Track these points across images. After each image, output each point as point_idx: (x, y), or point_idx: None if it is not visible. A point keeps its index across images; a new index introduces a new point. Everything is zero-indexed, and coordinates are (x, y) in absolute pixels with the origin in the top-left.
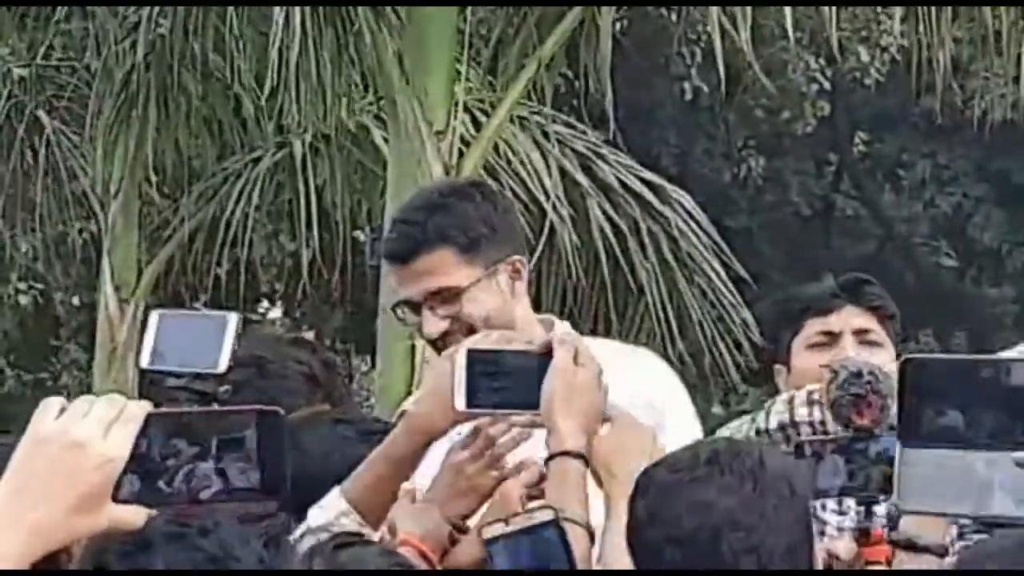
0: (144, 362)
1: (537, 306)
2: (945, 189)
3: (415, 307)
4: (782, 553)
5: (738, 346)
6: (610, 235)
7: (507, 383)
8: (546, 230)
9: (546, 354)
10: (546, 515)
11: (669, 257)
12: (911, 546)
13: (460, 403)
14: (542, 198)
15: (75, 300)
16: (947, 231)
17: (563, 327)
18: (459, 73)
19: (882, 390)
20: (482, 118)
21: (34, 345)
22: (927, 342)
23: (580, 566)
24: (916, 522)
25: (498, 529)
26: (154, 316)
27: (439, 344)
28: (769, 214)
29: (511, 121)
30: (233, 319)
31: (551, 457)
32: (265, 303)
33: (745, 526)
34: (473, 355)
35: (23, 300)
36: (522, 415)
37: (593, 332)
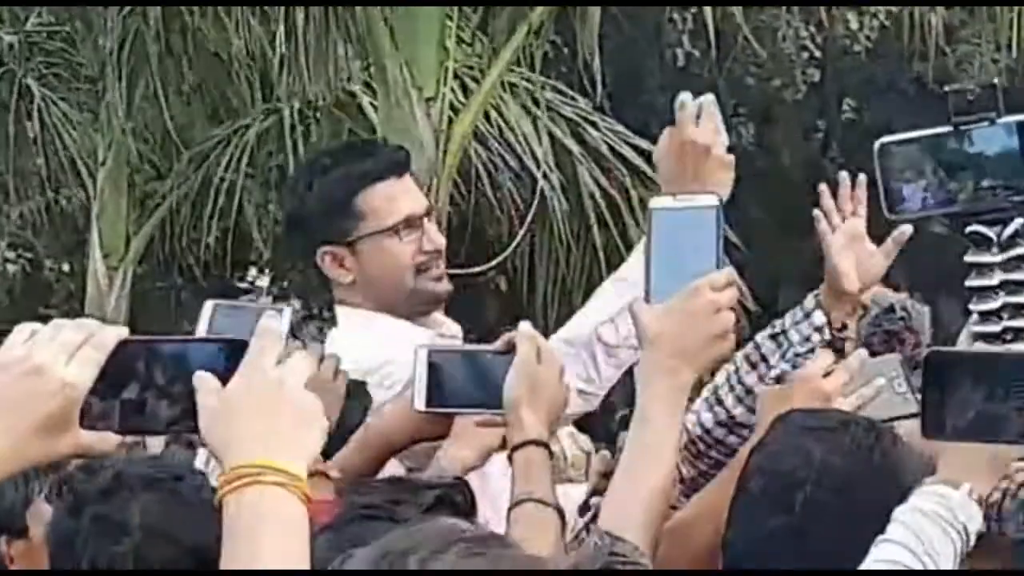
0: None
1: (531, 273)
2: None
3: (414, 224)
4: (851, 535)
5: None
6: (601, 201)
7: (467, 382)
8: (537, 197)
9: (506, 352)
10: None
11: None
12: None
13: (419, 403)
14: (532, 165)
15: (64, 267)
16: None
17: (526, 324)
18: (449, 40)
19: (915, 326)
20: (472, 85)
21: (23, 312)
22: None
23: (552, 547)
24: None
25: None
26: (208, 306)
27: (431, 267)
28: (759, 181)
29: (501, 88)
30: (287, 312)
31: (516, 448)
32: (253, 271)
33: (834, 489)
34: (433, 355)
35: (11, 268)
36: (482, 414)
37: (584, 298)
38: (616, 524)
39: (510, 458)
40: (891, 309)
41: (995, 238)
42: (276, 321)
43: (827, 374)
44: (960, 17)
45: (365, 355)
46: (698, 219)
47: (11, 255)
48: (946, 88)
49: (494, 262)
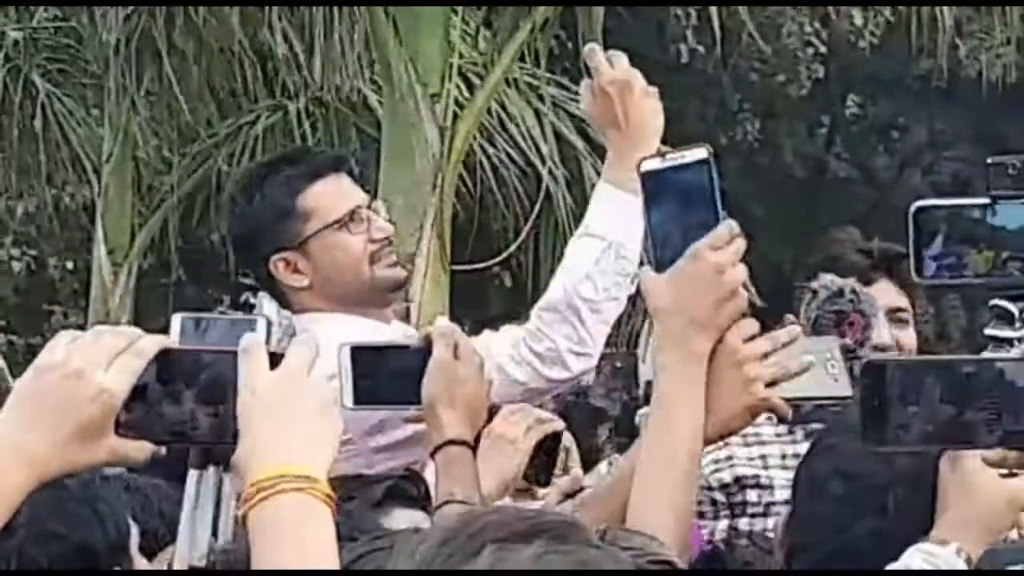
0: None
1: (536, 268)
2: (942, 154)
3: (359, 215)
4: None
5: None
6: None
7: (391, 379)
8: (542, 192)
9: (426, 348)
10: None
11: None
12: None
13: (348, 400)
14: (537, 160)
15: (69, 264)
16: (944, 194)
17: (443, 321)
18: (453, 37)
19: (865, 309)
20: (476, 81)
21: (28, 310)
22: (921, 304)
23: None
24: None
25: None
26: (176, 320)
27: (383, 255)
28: (763, 177)
29: (506, 84)
30: (262, 323)
31: (437, 448)
32: None
33: (916, 487)
34: (356, 352)
35: (16, 266)
36: (408, 411)
37: None
38: (643, 513)
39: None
40: (839, 293)
41: (1017, 313)
42: (310, 334)
43: (749, 340)
44: (967, 13)
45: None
46: (691, 174)
47: (16, 252)
48: (988, 160)
49: (499, 258)
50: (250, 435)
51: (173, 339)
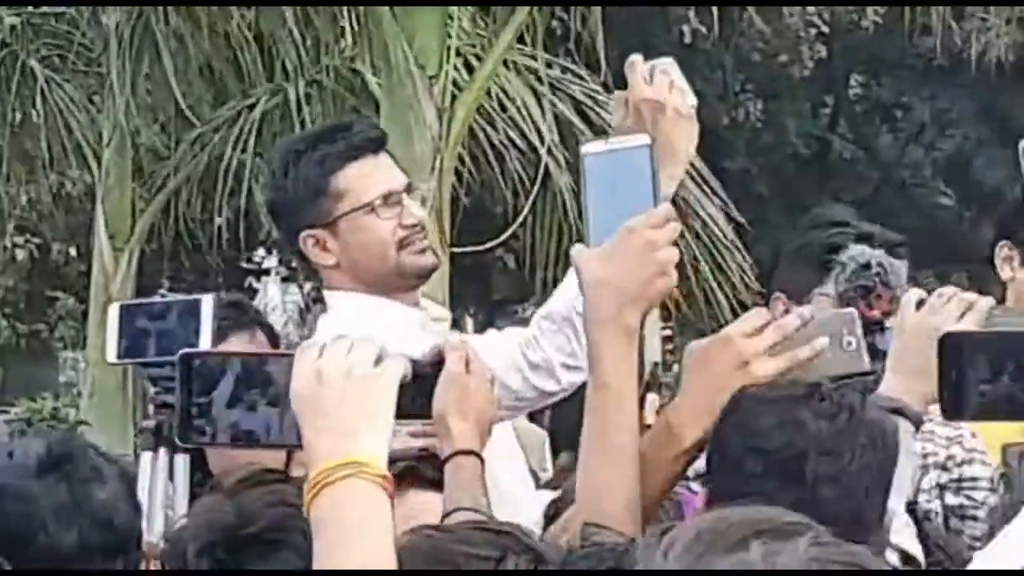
0: (111, 356)
1: (533, 250)
2: (946, 132)
3: (392, 199)
4: (862, 494)
5: (734, 289)
6: None
7: (400, 392)
8: (541, 174)
9: (436, 363)
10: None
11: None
12: (893, 410)
13: None
14: (537, 141)
15: (71, 251)
16: (949, 173)
17: (454, 336)
18: (451, 17)
19: (891, 281)
20: (475, 63)
21: (31, 296)
22: (929, 283)
23: None
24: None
25: None
26: (114, 309)
27: (413, 241)
28: (766, 156)
29: (504, 65)
30: (208, 300)
31: (447, 459)
32: (261, 251)
33: (834, 453)
34: None
35: (20, 253)
36: (414, 425)
37: None
38: (595, 501)
39: (440, 469)
40: (867, 266)
41: None
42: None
43: (755, 334)
44: None
45: (371, 335)
46: (631, 159)
47: (19, 240)
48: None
49: (500, 239)
50: (304, 433)
51: (112, 332)
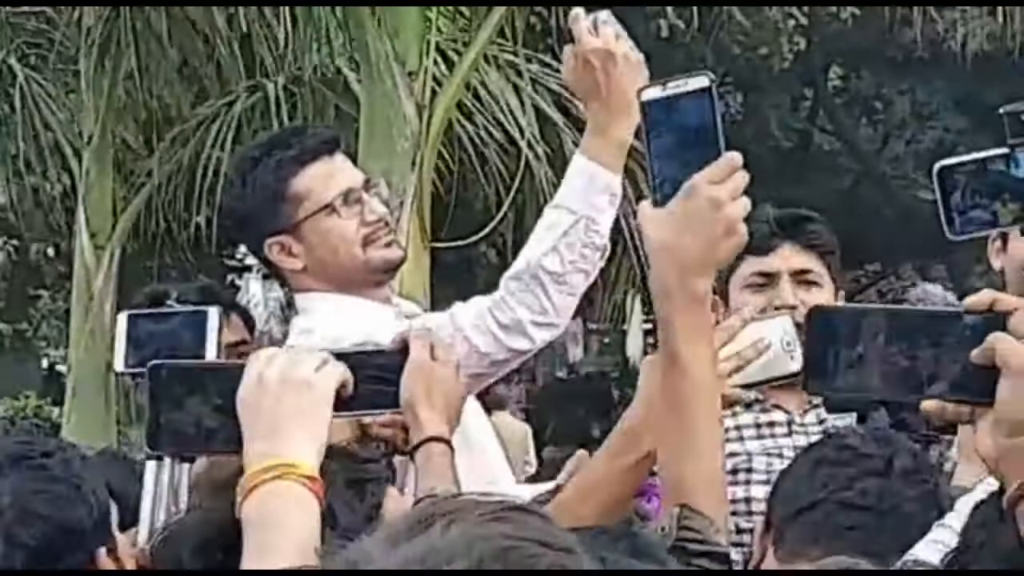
0: (119, 365)
1: (519, 244)
2: (926, 124)
3: (352, 198)
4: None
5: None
6: None
7: (366, 383)
8: (522, 168)
9: (402, 351)
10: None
11: (646, 192)
12: None
13: None
14: (517, 135)
15: (50, 251)
16: (929, 166)
17: (417, 322)
18: (431, 13)
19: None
20: (455, 58)
21: (13, 296)
22: (909, 276)
23: None
24: None
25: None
26: (123, 318)
27: (378, 236)
28: (747, 149)
29: (484, 60)
30: (215, 313)
31: (416, 447)
32: (242, 248)
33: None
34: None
35: None
36: (383, 414)
37: None
38: (677, 489)
39: (411, 457)
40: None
41: None
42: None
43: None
44: None
45: (346, 331)
46: (692, 104)
47: None
48: (1001, 110)
49: (481, 234)
50: (244, 437)
51: (120, 339)
